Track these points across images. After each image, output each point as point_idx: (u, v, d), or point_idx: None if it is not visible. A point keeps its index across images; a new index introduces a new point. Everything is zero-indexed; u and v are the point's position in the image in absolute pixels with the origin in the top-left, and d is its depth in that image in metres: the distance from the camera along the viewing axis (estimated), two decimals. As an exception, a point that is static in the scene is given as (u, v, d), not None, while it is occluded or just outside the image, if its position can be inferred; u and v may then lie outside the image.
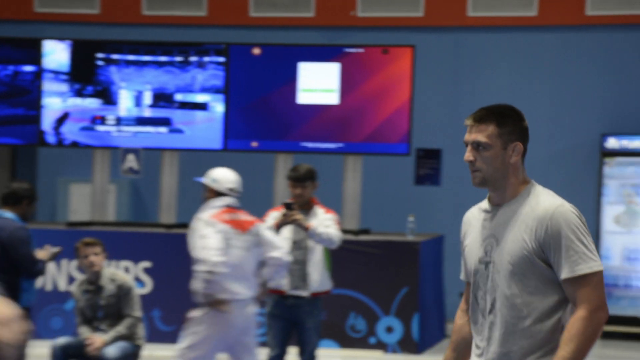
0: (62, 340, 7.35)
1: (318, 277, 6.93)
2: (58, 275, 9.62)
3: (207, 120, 10.21)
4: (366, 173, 10.42)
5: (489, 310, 3.28)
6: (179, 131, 10.23)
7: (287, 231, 6.97)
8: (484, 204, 3.42)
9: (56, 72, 10.23)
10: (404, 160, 10.91)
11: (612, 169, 11.19)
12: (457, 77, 11.97)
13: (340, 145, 10.12)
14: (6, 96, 10.26)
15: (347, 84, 10.09)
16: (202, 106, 10.22)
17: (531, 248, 3.20)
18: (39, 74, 10.21)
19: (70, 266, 9.56)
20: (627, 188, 11.02)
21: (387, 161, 11.32)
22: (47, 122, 10.22)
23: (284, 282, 6.85)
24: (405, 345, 9.35)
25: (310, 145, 10.06)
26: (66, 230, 9.86)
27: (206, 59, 10.22)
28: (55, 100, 10.22)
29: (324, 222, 6.88)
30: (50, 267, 9.30)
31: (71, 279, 9.44)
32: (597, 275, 3.16)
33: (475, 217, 3.43)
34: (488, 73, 11.91)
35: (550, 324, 3.20)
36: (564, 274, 3.16)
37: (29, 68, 10.25)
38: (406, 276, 9.38)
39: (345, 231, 9.86)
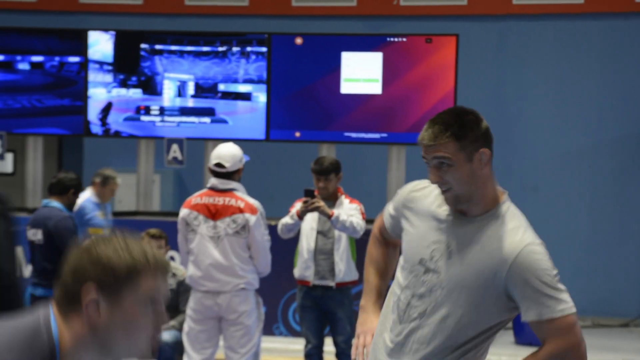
0: None
1: (344, 267, 6.85)
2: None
3: (250, 110, 10.21)
4: (410, 163, 10.36)
5: (415, 316, 3.05)
6: (223, 121, 10.25)
7: (313, 221, 6.91)
8: (441, 200, 3.07)
9: (101, 63, 10.28)
10: (448, 149, 10.83)
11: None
12: (502, 66, 11.85)
13: (384, 135, 10.07)
14: (53, 87, 10.33)
15: (390, 74, 10.02)
16: (245, 96, 10.22)
17: (490, 279, 2.94)
18: (84, 65, 10.27)
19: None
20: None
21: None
22: (92, 112, 10.28)
23: (308, 273, 6.84)
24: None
25: (353, 135, 10.02)
26: (111, 220, 9.90)
27: (248, 49, 10.21)
28: (100, 91, 10.28)
29: (348, 211, 6.82)
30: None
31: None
32: (568, 318, 2.89)
33: (425, 205, 3.11)
34: (533, 62, 11.78)
35: (478, 345, 3.02)
36: (531, 316, 2.91)
37: (74, 59, 10.31)
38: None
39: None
